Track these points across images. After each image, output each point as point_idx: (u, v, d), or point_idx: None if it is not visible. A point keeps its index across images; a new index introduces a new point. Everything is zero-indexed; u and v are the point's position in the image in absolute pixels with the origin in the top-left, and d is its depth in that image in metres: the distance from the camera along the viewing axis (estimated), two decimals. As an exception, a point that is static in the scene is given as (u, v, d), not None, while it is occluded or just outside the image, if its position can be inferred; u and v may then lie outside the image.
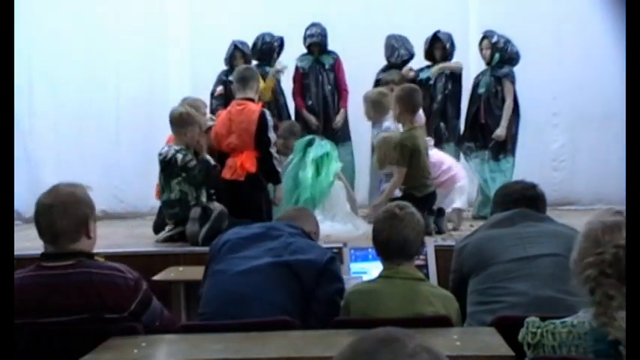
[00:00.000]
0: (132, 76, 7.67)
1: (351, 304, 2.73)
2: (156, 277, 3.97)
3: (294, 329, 2.53)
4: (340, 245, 4.02)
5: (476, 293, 2.86)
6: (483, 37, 6.64)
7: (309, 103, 6.93)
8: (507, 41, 6.53)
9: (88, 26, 7.55)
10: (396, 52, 6.86)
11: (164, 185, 5.35)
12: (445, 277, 3.27)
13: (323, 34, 6.88)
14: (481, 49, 6.64)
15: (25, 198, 6.30)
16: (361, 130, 6.72)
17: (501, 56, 6.50)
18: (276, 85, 6.84)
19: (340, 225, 5.81)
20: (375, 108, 6.07)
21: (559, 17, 7.56)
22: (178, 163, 5.23)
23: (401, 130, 5.60)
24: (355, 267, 3.88)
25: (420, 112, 5.94)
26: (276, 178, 5.68)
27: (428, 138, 6.12)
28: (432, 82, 6.73)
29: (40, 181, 6.15)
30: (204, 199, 5.39)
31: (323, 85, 6.91)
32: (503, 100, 6.49)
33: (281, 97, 6.92)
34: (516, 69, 6.56)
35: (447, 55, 6.74)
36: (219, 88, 6.73)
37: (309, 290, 2.74)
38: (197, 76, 7.45)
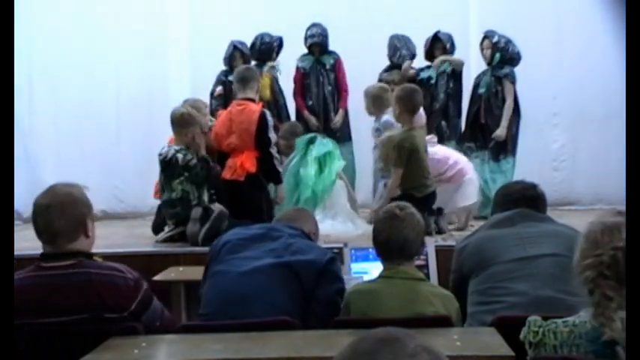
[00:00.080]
0: (132, 77, 7.67)
1: (352, 304, 2.73)
2: (156, 278, 3.97)
3: (294, 329, 2.53)
4: (341, 245, 4.03)
5: (476, 293, 2.86)
6: (484, 37, 6.64)
7: (310, 103, 6.93)
8: (508, 41, 6.53)
9: (88, 26, 7.55)
10: (398, 52, 6.86)
11: (164, 185, 5.35)
12: (445, 277, 3.27)
13: (324, 35, 6.87)
14: (482, 49, 6.64)
15: (24, 198, 6.29)
16: (362, 130, 6.72)
17: (502, 56, 6.50)
18: (275, 85, 6.84)
19: (340, 224, 5.82)
20: (375, 103, 6.08)
21: (559, 17, 7.56)
22: (179, 163, 5.23)
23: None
24: (356, 267, 3.88)
25: (421, 111, 5.94)
26: (277, 178, 5.68)
27: (431, 135, 6.13)
28: (432, 81, 6.73)
29: (40, 182, 6.12)
30: (205, 198, 5.40)
31: (323, 86, 6.90)
32: (503, 100, 6.49)
33: (280, 98, 6.92)
34: (517, 69, 6.56)
35: (447, 55, 6.74)
36: (219, 89, 6.73)
37: (310, 290, 2.74)
38: (197, 76, 7.45)
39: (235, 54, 6.73)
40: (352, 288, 2.83)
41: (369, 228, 4.50)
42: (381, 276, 2.80)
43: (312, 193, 5.90)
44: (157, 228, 5.65)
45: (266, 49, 6.78)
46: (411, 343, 1.13)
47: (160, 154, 5.32)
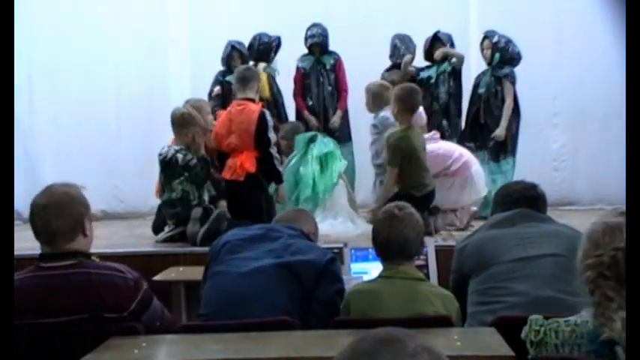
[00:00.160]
0: (132, 76, 7.67)
1: (352, 304, 2.73)
2: (156, 278, 3.97)
3: (294, 329, 2.53)
4: (341, 245, 4.03)
5: (476, 293, 2.86)
6: (484, 37, 6.64)
7: (310, 103, 6.92)
8: (508, 41, 6.53)
9: (88, 26, 7.55)
10: (398, 51, 6.87)
11: (164, 185, 5.36)
12: (445, 277, 3.27)
13: (324, 35, 6.87)
14: (482, 49, 6.64)
15: (24, 198, 6.26)
16: (362, 130, 6.71)
17: (502, 56, 6.50)
18: (274, 85, 6.83)
19: (340, 224, 5.83)
20: (375, 100, 6.08)
21: (559, 17, 7.56)
22: (179, 163, 5.24)
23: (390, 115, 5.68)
24: (356, 267, 3.88)
25: (422, 111, 5.94)
26: (277, 178, 5.68)
27: (433, 131, 6.14)
28: (432, 81, 6.73)
29: (40, 181, 6.10)
30: (206, 198, 5.40)
31: (324, 86, 6.90)
32: (503, 101, 6.49)
33: (279, 98, 6.92)
34: (517, 69, 6.55)
35: (447, 54, 6.73)
36: (217, 89, 6.73)
37: (310, 291, 2.74)
38: (197, 76, 7.45)
39: (233, 54, 6.73)
40: (352, 288, 2.83)
41: (369, 228, 4.50)
42: (380, 276, 2.80)
43: (313, 192, 5.91)
44: (157, 228, 5.65)
45: (264, 49, 6.78)
46: (412, 343, 1.13)
47: (160, 154, 5.33)
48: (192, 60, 7.74)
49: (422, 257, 3.72)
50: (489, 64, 6.58)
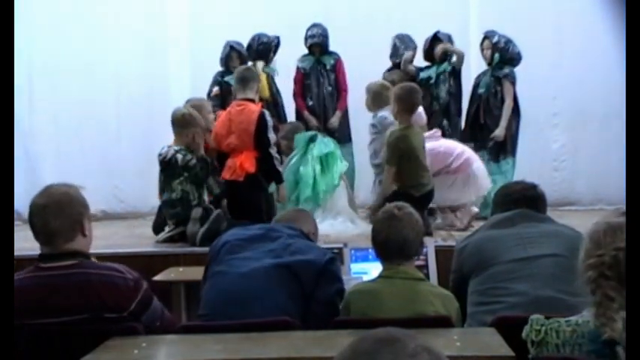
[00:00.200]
0: (132, 76, 7.67)
1: (351, 304, 2.73)
2: (156, 278, 3.97)
3: (294, 330, 2.53)
4: (341, 246, 4.03)
5: (476, 294, 2.86)
6: (484, 38, 6.63)
7: (310, 103, 6.92)
8: (508, 41, 6.53)
9: (88, 26, 7.55)
10: (398, 51, 6.87)
11: (164, 185, 5.36)
12: (445, 277, 3.27)
13: (324, 35, 6.87)
14: (482, 50, 6.64)
15: (24, 198, 6.25)
16: (362, 130, 6.71)
17: (502, 56, 6.50)
18: (273, 85, 6.83)
19: (340, 224, 5.83)
20: (375, 100, 6.08)
21: (559, 17, 7.56)
22: (179, 163, 5.24)
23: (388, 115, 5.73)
24: (355, 267, 3.88)
25: (421, 111, 5.94)
26: (278, 178, 5.68)
27: (435, 129, 6.15)
28: (432, 81, 6.72)
29: (40, 181, 6.10)
30: (206, 198, 5.40)
31: (324, 86, 6.90)
32: (502, 101, 6.49)
33: (279, 98, 6.92)
34: (517, 69, 6.55)
35: (447, 55, 6.74)
36: (215, 89, 6.73)
37: (309, 291, 2.74)
38: (197, 76, 7.45)
39: (232, 54, 6.73)
40: (352, 288, 2.83)
41: (368, 227, 4.50)
42: (380, 276, 2.80)
43: (313, 192, 5.91)
44: (157, 228, 5.65)
45: (263, 49, 6.78)
46: (412, 343, 1.13)
47: (160, 155, 5.33)
48: (192, 60, 7.74)
49: (422, 257, 3.72)
50: (489, 64, 6.58)
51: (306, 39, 6.90)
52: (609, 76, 7.03)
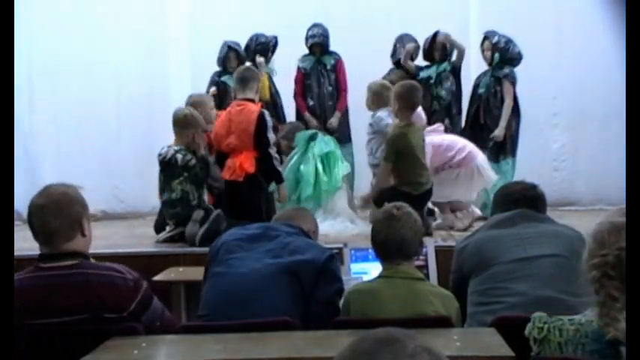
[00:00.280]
0: (132, 77, 7.67)
1: (351, 304, 2.73)
2: (156, 278, 3.97)
3: (294, 330, 2.53)
4: (341, 246, 4.02)
5: (476, 294, 2.85)
6: (484, 38, 6.63)
7: (311, 103, 6.92)
8: (509, 41, 6.52)
9: (88, 26, 7.55)
10: (397, 52, 6.88)
11: (164, 185, 5.36)
12: (445, 277, 3.27)
13: (325, 35, 6.86)
14: (482, 51, 6.63)
15: (24, 198, 6.25)
16: (362, 131, 6.71)
17: (502, 56, 6.49)
18: (272, 85, 6.83)
19: (339, 224, 5.84)
20: (374, 99, 6.08)
21: (559, 17, 7.56)
22: (179, 163, 5.24)
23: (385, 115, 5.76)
24: (355, 267, 3.88)
25: (421, 111, 5.93)
26: (277, 178, 5.68)
27: (438, 124, 6.15)
28: (432, 81, 6.72)
29: (40, 182, 6.09)
30: (205, 198, 5.39)
31: (324, 86, 6.90)
32: (502, 101, 6.49)
33: (278, 98, 6.92)
34: (517, 69, 6.55)
35: (447, 55, 6.74)
36: (213, 89, 6.74)
37: (309, 290, 2.73)
38: (197, 76, 7.45)
39: (230, 55, 6.74)
40: (352, 288, 2.83)
41: (367, 227, 4.50)
42: (380, 276, 2.80)
43: (315, 191, 5.91)
44: (159, 227, 5.65)
45: (261, 49, 6.77)
46: (411, 343, 1.13)
47: (160, 155, 5.33)
48: (192, 60, 7.74)
49: (422, 257, 3.71)
50: (490, 64, 6.58)
51: (306, 39, 6.90)
52: (609, 76, 7.02)
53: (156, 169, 5.45)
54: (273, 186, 5.72)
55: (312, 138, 6.14)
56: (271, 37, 6.84)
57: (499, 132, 6.41)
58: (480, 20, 7.42)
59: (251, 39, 6.81)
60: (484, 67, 6.71)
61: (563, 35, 7.54)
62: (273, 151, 5.57)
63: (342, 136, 6.85)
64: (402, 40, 6.86)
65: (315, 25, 6.91)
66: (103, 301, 2.47)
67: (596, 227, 1.96)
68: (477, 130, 6.59)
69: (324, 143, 6.11)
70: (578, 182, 7.57)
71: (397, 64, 6.89)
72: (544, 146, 7.57)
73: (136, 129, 7.58)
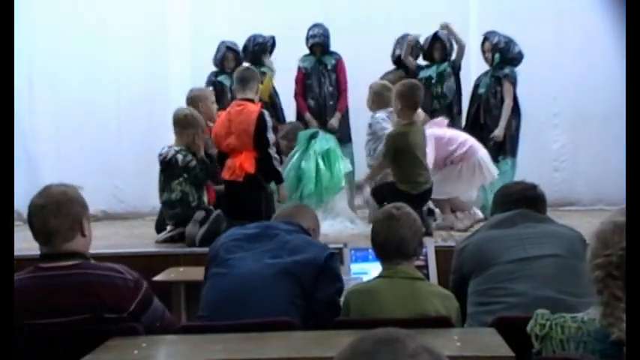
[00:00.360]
0: (132, 77, 7.67)
1: (351, 304, 2.73)
2: (156, 278, 3.96)
3: (294, 330, 2.53)
4: (341, 246, 4.02)
5: (476, 294, 2.85)
6: (484, 39, 6.63)
7: (311, 103, 6.92)
8: (509, 41, 6.51)
9: (88, 26, 7.55)
10: (396, 53, 6.88)
11: (164, 186, 5.36)
12: (445, 277, 3.27)
13: (325, 35, 6.86)
14: (483, 52, 6.63)
15: (24, 198, 6.24)
16: (362, 131, 6.71)
17: (502, 57, 6.49)
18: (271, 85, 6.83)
19: (339, 224, 5.84)
20: (375, 100, 6.09)
21: (559, 17, 7.56)
22: (179, 164, 5.24)
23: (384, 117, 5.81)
24: (355, 267, 3.87)
25: (420, 112, 5.93)
26: (277, 178, 5.68)
27: (442, 117, 6.17)
28: (433, 80, 6.72)
29: (40, 182, 6.08)
30: (205, 199, 5.39)
31: (325, 86, 6.90)
32: (502, 101, 6.49)
33: (277, 99, 6.92)
34: (517, 69, 6.55)
35: (447, 55, 6.74)
36: (209, 89, 6.73)
37: (309, 290, 2.73)
38: (197, 76, 7.43)
39: (228, 55, 6.75)
40: (351, 288, 2.83)
41: (367, 227, 4.50)
42: (380, 276, 2.80)
43: (316, 187, 5.91)
44: (160, 227, 5.66)
45: (259, 49, 6.77)
46: (412, 343, 1.12)
47: (160, 155, 5.33)
48: (192, 60, 7.74)
49: (422, 258, 3.70)
50: (491, 65, 6.57)
51: (307, 39, 6.90)
52: (609, 77, 7.03)
53: (156, 169, 5.45)
54: (273, 186, 5.73)
55: (313, 136, 6.15)
56: (268, 37, 6.84)
57: (499, 132, 6.41)
58: (480, 20, 7.41)
59: (249, 39, 6.81)
60: (484, 67, 6.71)
61: (563, 35, 7.54)
62: (273, 151, 5.57)
63: (343, 136, 6.84)
64: (400, 39, 6.86)
65: (315, 25, 6.91)
66: (103, 302, 2.47)
67: (599, 227, 1.95)
68: (477, 130, 6.58)
69: (325, 141, 6.11)
70: (578, 182, 7.57)
71: (397, 63, 6.89)
72: (544, 146, 7.57)
73: (136, 129, 7.58)
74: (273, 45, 6.87)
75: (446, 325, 2.52)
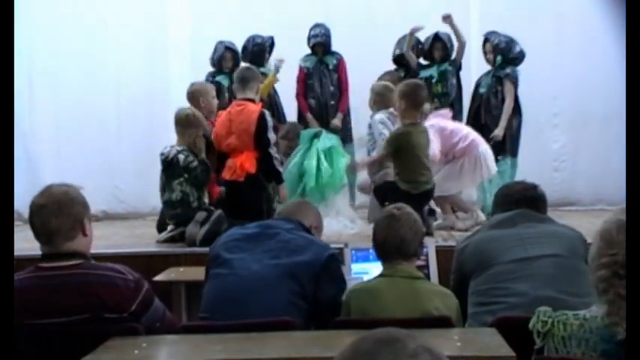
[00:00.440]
0: (132, 77, 7.67)
1: (352, 303, 2.73)
2: (157, 278, 3.96)
3: (294, 330, 2.53)
4: (341, 246, 4.02)
5: (477, 294, 2.85)
6: (485, 40, 6.62)
7: (313, 103, 6.92)
8: (510, 41, 6.51)
9: (88, 26, 7.56)
10: (394, 52, 6.89)
11: (165, 186, 5.36)
12: (446, 277, 3.26)
13: (327, 35, 6.86)
14: (485, 53, 6.63)
15: (24, 198, 6.24)
16: (363, 131, 6.71)
17: (504, 57, 6.49)
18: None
19: (339, 224, 5.84)
20: (376, 100, 6.09)
21: (559, 17, 7.56)
22: (180, 164, 5.25)
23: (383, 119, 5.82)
24: (356, 267, 3.86)
25: (427, 105, 5.95)
26: (277, 178, 5.67)
27: (446, 110, 6.17)
28: (434, 80, 6.72)
29: (40, 182, 6.09)
30: (206, 199, 5.40)
31: (326, 86, 6.90)
32: (503, 100, 6.49)
33: (277, 99, 6.91)
34: (517, 68, 6.55)
35: (447, 54, 6.74)
36: (210, 84, 6.73)
37: (310, 290, 2.73)
38: (197, 76, 7.41)
39: (226, 55, 6.74)
40: (352, 287, 2.83)
41: (367, 227, 4.50)
42: (381, 275, 2.81)
43: (317, 183, 5.91)
44: (160, 226, 5.66)
45: (259, 50, 6.77)
46: (412, 343, 1.12)
47: (162, 154, 5.33)
48: (192, 60, 7.74)
49: (422, 257, 3.70)
50: (493, 65, 6.57)
51: (308, 39, 6.90)
52: (609, 77, 7.03)
53: (156, 169, 5.45)
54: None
55: (317, 135, 6.15)
56: (267, 37, 6.84)
57: (499, 131, 6.41)
58: (480, 20, 7.42)
59: (248, 40, 6.81)
60: (485, 67, 6.71)
61: (563, 35, 7.54)
62: (273, 151, 5.57)
63: (344, 136, 6.84)
64: (403, 40, 6.86)
65: (317, 25, 6.91)
66: (104, 302, 2.47)
67: (603, 226, 1.94)
68: (477, 130, 6.57)
69: (328, 139, 6.12)
70: (578, 182, 7.57)
71: (398, 62, 6.88)
72: (544, 146, 7.58)
73: (136, 129, 7.58)
74: (272, 45, 6.87)
75: (446, 325, 2.52)
